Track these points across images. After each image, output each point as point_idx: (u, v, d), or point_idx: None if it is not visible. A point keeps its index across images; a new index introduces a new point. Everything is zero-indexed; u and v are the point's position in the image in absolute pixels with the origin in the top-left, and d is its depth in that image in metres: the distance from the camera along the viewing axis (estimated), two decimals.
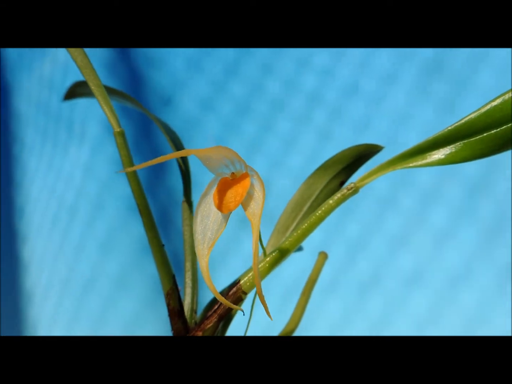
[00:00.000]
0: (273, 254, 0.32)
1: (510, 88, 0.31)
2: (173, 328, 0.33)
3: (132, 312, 0.73)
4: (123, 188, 0.76)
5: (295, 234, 0.32)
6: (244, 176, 0.28)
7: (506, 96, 0.30)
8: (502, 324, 0.63)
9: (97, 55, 0.78)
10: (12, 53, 0.88)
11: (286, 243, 0.32)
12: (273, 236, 0.39)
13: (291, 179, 0.73)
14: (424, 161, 0.32)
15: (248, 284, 0.31)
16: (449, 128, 0.32)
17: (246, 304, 0.36)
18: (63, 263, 0.78)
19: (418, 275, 0.68)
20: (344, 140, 0.73)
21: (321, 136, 0.74)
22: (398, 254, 0.69)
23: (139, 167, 0.27)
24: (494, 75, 0.68)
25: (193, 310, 0.35)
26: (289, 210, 0.40)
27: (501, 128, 0.31)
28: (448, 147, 0.32)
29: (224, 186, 0.28)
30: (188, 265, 0.36)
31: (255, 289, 0.33)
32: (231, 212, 0.28)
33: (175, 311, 0.32)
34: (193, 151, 0.27)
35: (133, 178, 0.34)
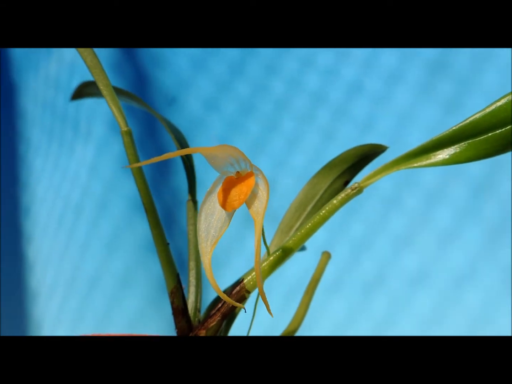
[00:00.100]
0: (277, 253, 0.32)
1: None
2: (177, 327, 0.33)
3: (136, 310, 0.73)
4: (129, 188, 0.76)
5: (298, 233, 0.32)
6: (249, 175, 0.28)
7: (511, 97, 0.30)
8: (507, 324, 0.63)
9: (103, 56, 0.78)
10: (19, 53, 0.89)
11: (290, 242, 0.32)
12: (277, 235, 0.39)
13: (295, 179, 0.73)
14: (428, 161, 0.32)
15: (251, 283, 0.32)
16: (454, 128, 0.32)
17: (249, 303, 0.36)
18: (68, 262, 0.78)
19: (422, 275, 0.68)
20: (348, 140, 0.73)
21: (325, 136, 0.74)
22: (402, 254, 0.69)
23: (144, 163, 0.27)
24: (499, 75, 0.68)
25: (197, 309, 0.35)
26: (293, 209, 0.40)
27: (506, 128, 0.31)
28: (453, 147, 0.32)
29: (229, 185, 0.28)
30: (192, 264, 0.36)
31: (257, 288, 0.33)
32: (235, 211, 0.28)
33: (179, 309, 0.33)
34: (199, 149, 0.27)
35: (139, 176, 0.34)
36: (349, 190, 0.33)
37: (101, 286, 0.75)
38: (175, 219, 0.72)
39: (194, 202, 0.40)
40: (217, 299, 0.36)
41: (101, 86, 0.35)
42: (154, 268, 0.72)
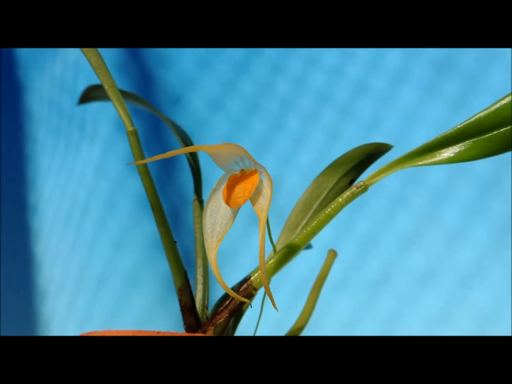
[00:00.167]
0: (283, 251, 0.32)
1: None
2: (185, 323, 0.33)
3: (144, 308, 0.74)
4: (135, 187, 0.77)
5: (304, 231, 0.32)
6: (253, 172, 0.28)
7: None
8: None
9: (107, 56, 0.79)
10: (25, 53, 0.89)
11: (296, 240, 0.32)
12: (283, 233, 0.40)
13: (300, 177, 0.73)
14: (433, 160, 0.32)
15: (258, 280, 0.32)
16: (458, 126, 0.32)
17: (256, 301, 0.36)
18: (76, 260, 0.79)
19: (429, 274, 0.68)
20: (353, 139, 0.73)
21: (330, 135, 0.75)
22: (409, 252, 0.69)
23: (149, 160, 0.28)
24: (505, 74, 0.68)
25: (205, 306, 0.35)
26: (299, 208, 0.40)
27: (511, 126, 0.31)
28: (457, 145, 0.32)
29: (233, 182, 0.28)
30: (199, 262, 0.37)
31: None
32: (239, 207, 0.29)
33: (187, 306, 0.33)
34: (203, 147, 0.28)
35: (145, 175, 0.34)
36: (354, 188, 0.33)
37: (109, 284, 0.76)
38: (182, 218, 0.73)
39: (200, 201, 0.40)
40: (225, 296, 0.36)
41: (106, 87, 0.35)
42: (162, 266, 0.73)
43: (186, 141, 0.44)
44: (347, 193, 0.33)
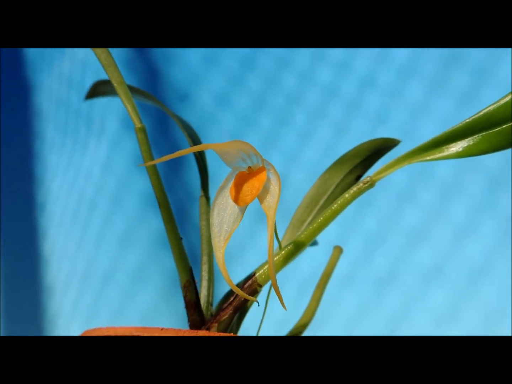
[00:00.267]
0: (288, 247, 0.32)
1: None
2: (189, 320, 0.33)
3: (150, 305, 0.74)
4: (142, 184, 0.77)
5: (310, 227, 0.32)
6: (261, 170, 0.28)
7: None
8: None
9: (115, 53, 0.79)
10: (33, 52, 0.90)
11: (302, 236, 0.32)
12: (289, 230, 0.39)
13: (307, 173, 0.73)
14: (441, 154, 0.32)
15: (263, 277, 0.32)
16: (467, 120, 0.31)
17: (261, 298, 0.36)
18: (82, 257, 0.79)
19: (436, 270, 0.68)
20: (361, 134, 0.73)
21: (337, 130, 0.74)
22: (416, 248, 0.69)
23: (158, 161, 0.27)
24: None
25: (209, 303, 0.35)
26: (305, 204, 0.40)
27: None
28: (466, 139, 0.31)
29: (241, 180, 0.28)
30: (204, 258, 0.37)
31: (270, 282, 0.33)
32: (247, 205, 0.28)
33: (192, 303, 0.33)
34: (210, 146, 0.27)
35: (153, 173, 0.34)
36: (361, 184, 0.33)
37: (115, 281, 0.76)
38: (188, 214, 0.73)
39: (207, 198, 0.40)
40: (230, 293, 0.36)
41: (115, 84, 0.35)
42: (167, 263, 0.73)
43: (193, 137, 0.44)
44: (354, 188, 0.33)
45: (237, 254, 0.71)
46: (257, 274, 0.32)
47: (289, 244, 0.32)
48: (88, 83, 0.56)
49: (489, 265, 0.66)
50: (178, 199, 0.75)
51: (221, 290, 0.38)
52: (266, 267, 0.32)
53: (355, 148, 0.40)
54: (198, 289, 0.35)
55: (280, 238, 0.40)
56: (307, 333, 0.40)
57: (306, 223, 0.39)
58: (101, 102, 0.80)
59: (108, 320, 0.75)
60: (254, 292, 0.32)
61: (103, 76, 0.40)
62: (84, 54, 0.83)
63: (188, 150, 0.26)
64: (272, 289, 0.30)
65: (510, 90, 0.31)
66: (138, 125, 0.34)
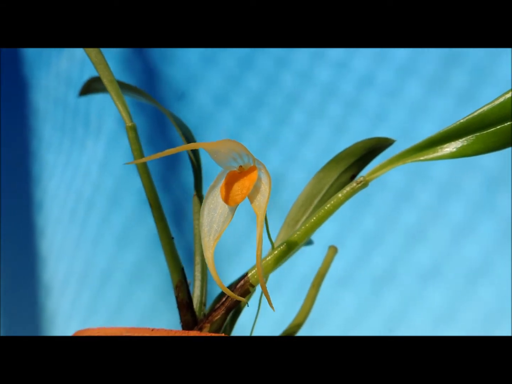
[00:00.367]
0: (281, 247, 0.32)
1: None
2: (182, 320, 0.33)
3: (148, 304, 0.74)
4: (139, 182, 0.76)
5: (303, 227, 0.32)
6: (252, 169, 0.28)
7: None
8: None
9: (113, 51, 0.79)
10: (31, 51, 0.89)
11: (294, 236, 0.32)
12: (283, 229, 0.39)
13: (305, 172, 0.72)
14: (435, 155, 0.32)
15: (256, 277, 0.32)
16: (461, 121, 0.31)
17: (256, 298, 0.36)
18: (80, 256, 0.79)
19: (434, 270, 0.67)
20: (359, 133, 0.73)
21: (336, 129, 0.74)
22: (414, 248, 0.69)
23: (147, 159, 0.27)
24: None
25: (202, 303, 0.35)
26: (299, 203, 0.40)
27: None
28: (460, 140, 0.31)
29: (231, 179, 0.28)
30: (197, 258, 0.37)
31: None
32: (238, 205, 0.28)
33: (184, 303, 0.33)
34: (201, 144, 0.27)
35: (144, 172, 0.34)
36: (354, 184, 0.32)
37: (113, 280, 0.76)
38: (185, 214, 0.73)
39: (200, 197, 0.40)
40: (222, 293, 0.36)
41: (105, 82, 0.35)
42: (165, 262, 0.73)
43: (187, 134, 0.43)
44: (347, 188, 0.32)
45: (234, 253, 0.71)
46: (249, 274, 0.32)
47: (281, 244, 0.32)
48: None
49: (487, 265, 0.66)
50: (175, 198, 0.75)
51: (215, 290, 0.38)
52: None
53: (349, 147, 0.40)
54: (191, 289, 0.35)
55: (274, 237, 0.40)
56: (305, 332, 0.40)
57: (300, 222, 0.39)
58: (98, 100, 0.80)
59: (106, 319, 0.74)
60: (247, 292, 0.32)
61: None
62: (81, 53, 0.83)
63: (178, 149, 0.26)
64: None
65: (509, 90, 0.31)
66: (129, 123, 0.34)
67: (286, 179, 0.73)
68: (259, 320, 0.37)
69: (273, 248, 0.32)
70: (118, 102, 0.35)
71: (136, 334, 0.29)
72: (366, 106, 0.73)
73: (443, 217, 0.68)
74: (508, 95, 0.30)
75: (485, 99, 0.31)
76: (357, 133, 0.73)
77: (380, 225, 0.70)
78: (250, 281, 0.31)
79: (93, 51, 0.36)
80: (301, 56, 0.76)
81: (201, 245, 0.36)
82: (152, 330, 0.29)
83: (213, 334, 0.30)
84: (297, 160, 0.74)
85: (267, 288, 0.30)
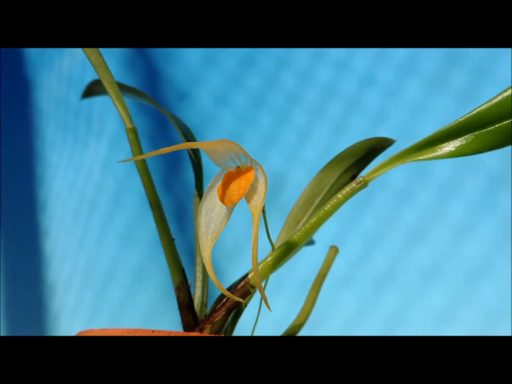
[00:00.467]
0: (281, 248, 0.32)
1: None
2: (183, 321, 0.33)
3: (151, 304, 0.74)
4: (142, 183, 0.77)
5: (303, 228, 0.32)
6: (249, 169, 0.28)
7: None
8: None
9: (114, 51, 0.79)
10: (33, 51, 0.90)
11: (294, 237, 0.32)
12: (284, 229, 0.39)
13: (306, 173, 0.72)
14: (434, 154, 0.32)
15: None
16: (460, 120, 0.31)
17: (256, 299, 0.36)
18: (84, 256, 0.79)
19: (435, 270, 0.67)
20: (360, 133, 0.73)
21: (336, 129, 0.74)
22: (415, 248, 0.69)
23: (144, 156, 0.27)
24: None
25: (203, 303, 0.35)
26: (300, 203, 0.40)
27: None
28: (459, 139, 0.31)
29: (228, 179, 0.28)
30: (198, 259, 0.37)
31: (264, 282, 0.33)
32: (235, 205, 0.28)
33: (185, 304, 0.33)
34: (198, 144, 0.27)
35: (144, 172, 0.34)
36: (354, 184, 0.32)
37: (116, 280, 0.76)
38: (187, 214, 0.73)
39: (201, 197, 0.40)
40: (223, 294, 0.36)
41: (106, 84, 0.35)
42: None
43: (187, 135, 0.43)
44: (347, 189, 0.32)
45: (235, 253, 0.71)
46: (249, 275, 0.32)
47: (282, 245, 0.32)
48: (88, 82, 0.56)
49: (488, 264, 0.66)
50: (177, 199, 0.75)
51: (216, 291, 0.38)
52: (259, 267, 0.32)
53: (350, 148, 0.40)
54: (192, 290, 0.35)
55: (275, 238, 0.40)
56: (306, 332, 0.40)
57: (301, 223, 0.39)
58: (100, 101, 0.80)
59: (110, 319, 0.75)
60: (247, 294, 0.32)
61: None
62: (83, 53, 0.83)
63: (174, 148, 0.26)
64: (267, 290, 0.30)
65: None
66: (129, 125, 0.34)
67: (287, 179, 0.73)
68: (261, 321, 0.37)
69: (273, 249, 0.32)
70: (118, 104, 0.35)
71: (137, 335, 0.29)
72: (366, 106, 0.73)
73: (444, 217, 0.68)
74: (506, 94, 0.30)
75: (485, 99, 0.31)
76: (357, 133, 0.73)
77: (381, 225, 0.70)
78: (251, 282, 0.32)
79: (93, 53, 0.36)
80: (302, 56, 0.76)
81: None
82: (153, 331, 0.29)
83: (212, 335, 0.30)
84: (298, 160, 0.74)
85: (264, 290, 0.30)
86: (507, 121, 0.30)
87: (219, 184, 0.28)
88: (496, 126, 0.30)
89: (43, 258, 0.84)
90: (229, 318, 0.33)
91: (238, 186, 0.27)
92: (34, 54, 0.90)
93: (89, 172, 0.82)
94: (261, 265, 0.32)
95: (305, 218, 0.39)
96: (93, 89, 0.52)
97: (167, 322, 0.70)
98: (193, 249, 0.52)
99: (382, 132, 0.72)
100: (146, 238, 0.76)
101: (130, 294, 0.75)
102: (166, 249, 0.34)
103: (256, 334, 0.36)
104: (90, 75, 0.81)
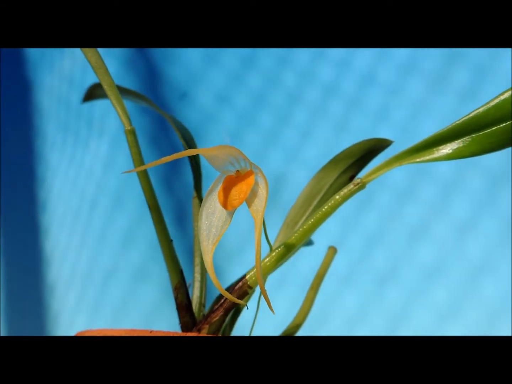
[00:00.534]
0: (279, 249, 0.32)
1: None
2: (181, 321, 0.33)
3: (152, 303, 0.74)
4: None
5: (301, 229, 0.32)
6: (249, 173, 0.28)
7: None
8: None
9: (114, 51, 0.79)
10: (33, 51, 0.90)
11: (292, 238, 0.32)
12: (282, 230, 0.40)
13: (307, 172, 0.72)
14: (431, 156, 0.32)
15: (253, 278, 0.32)
16: (457, 122, 0.31)
17: (256, 298, 0.36)
18: (84, 255, 0.80)
19: (438, 268, 0.68)
20: (361, 132, 0.73)
21: (337, 128, 0.74)
22: (417, 246, 0.69)
23: (143, 167, 0.28)
24: None
25: (202, 304, 0.35)
26: (299, 204, 0.40)
27: (511, 121, 0.30)
28: (456, 141, 0.31)
29: (229, 184, 0.28)
30: (197, 260, 0.37)
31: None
32: (235, 209, 0.28)
33: (183, 305, 0.33)
34: (198, 151, 0.28)
35: (143, 175, 0.35)
36: (352, 186, 0.33)
37: (117, 279, 0.76)
38: (186, 215, 0.73)
39: (200, 199, 0.40)
40: (221, 295, 0.36)
41: (105, 86, 0.35)
42: None
43: (187, 137, 0.44)
44: (344, 190, 0.33)
45: (235, 255, 0.71)
46: (247, 276, 0.32)
47: (279, 246, 0.32)
48: (89, 82, 0.56)
49: (490, 263, 0.66)
50: (177, 200, 0.75)
51: (215, 291, 0.38)
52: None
53: (348, 148, 0.40)
54: (191, 290, 0.35)
55: (274, 239, 0.40)
56: (307, 331, 0.40)
57: (299, 224, 0.39)
58: (101, 101, 0.80)
59: (111, 318, 0.75)
60: (245, 294, 0.32)
61: None
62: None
63: (174, 156, 0.27)
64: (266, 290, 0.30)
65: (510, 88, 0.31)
66: (128, 127, 0.34)
67: (288, 178, 0.73)
68: (259, 321, 0.37)
69: (271, 250, 0.33)
70: (117, 106, 0.35)
71: (135, 336, 0.29)
72: (367, 105, 0.73)
73: (446, 215, 0.68)
74: (503, 96, 0.30)
75: (486, 98, 0.31)
76: (358, 132, 0.73)
77: (383, 223, 0.70)
78: (248, 282, 0.32)
79: (93, 56, 0.36)
80: (303, 55, 0.76)
81: (200, 247, 0.36)
82: (151, 332, 0.29)
83: (210, 335, 0.30)
84: (299, 159, 0.75)
85: (266, 291, 0.31)
86: (504, 124, 0.30)
87: (219, 188, 0.28)
88: (494, 128, 0.30)
89: (44, 257, 0.84)
90: (227, 318, 0.33)
91: (239, 191, 0.28)
92: (34, 54, 0.90)
93: (89, 171, 0.82)
94: (256, 268, 0.32)
95: (304, 218, 0.39)
96: (94, 93, 0.52)
97: (168, 322, 0.70)
98: (191, 250, 0.52)
99: (383, 131, 0.72)
100: (146, 238, 0.76)
101: (132, 293, 0.75)
102: (164, 250, 0.34)
103: (254, 334, 0.37)
104: (90, 75, 0.81)
